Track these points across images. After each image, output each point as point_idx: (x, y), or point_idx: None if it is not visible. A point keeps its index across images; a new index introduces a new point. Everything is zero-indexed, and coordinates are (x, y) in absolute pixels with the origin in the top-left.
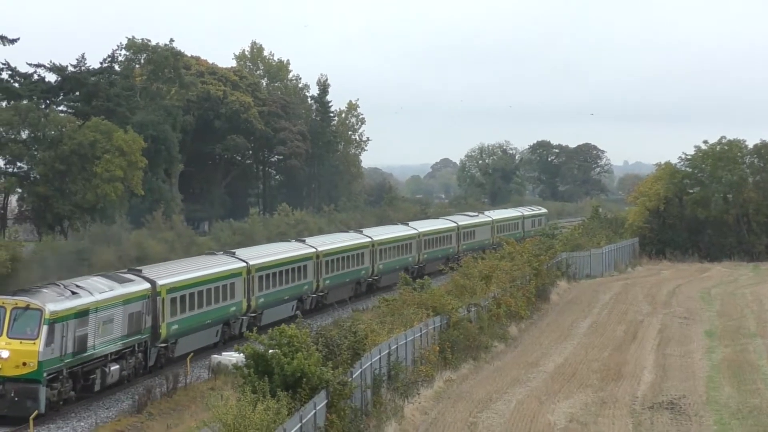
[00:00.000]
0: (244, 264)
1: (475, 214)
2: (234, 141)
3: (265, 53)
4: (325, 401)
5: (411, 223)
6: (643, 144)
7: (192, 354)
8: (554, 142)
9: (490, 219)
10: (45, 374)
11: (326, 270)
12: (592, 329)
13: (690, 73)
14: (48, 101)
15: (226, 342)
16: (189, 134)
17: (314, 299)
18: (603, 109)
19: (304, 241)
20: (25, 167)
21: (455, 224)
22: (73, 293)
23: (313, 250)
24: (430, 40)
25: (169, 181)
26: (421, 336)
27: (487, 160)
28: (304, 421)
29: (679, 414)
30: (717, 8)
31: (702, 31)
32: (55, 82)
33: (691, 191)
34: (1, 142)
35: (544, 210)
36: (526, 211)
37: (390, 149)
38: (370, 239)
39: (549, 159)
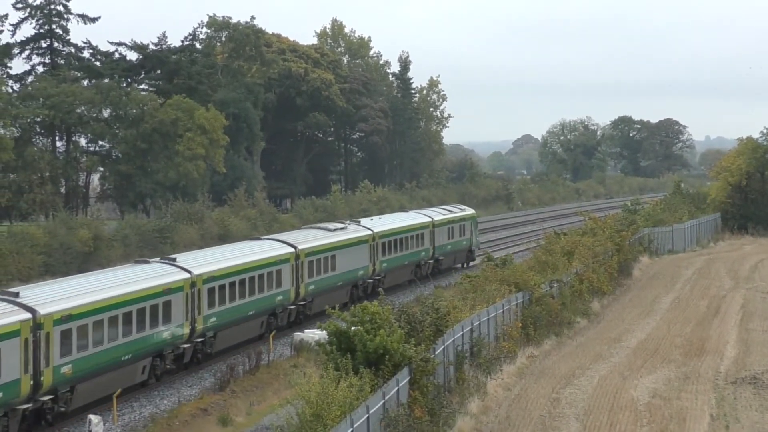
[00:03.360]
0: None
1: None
2: (315, 118)
3: (346, 30)
4: (408, 378)
5: (364, 221)
6: (725, 119)
7: (274, 330)
8: (636, 118)
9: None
10: None
11: None
12: (675, 304)
13: None
14: (129, 80)
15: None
16: (270, 112)
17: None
18: (685, 84)
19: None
20: (107, 146)
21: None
22: None
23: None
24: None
25: (251, 159)
26: (503, 312)
27: (568, 136)
28: (387, 397)
29: (763, 389)
30: None
31: None
32: (136, 60)
33: None
34: (83, 121)
35: (468, 210)
36: (437, 214)
37: (472, 126)
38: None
39: (631, 134)
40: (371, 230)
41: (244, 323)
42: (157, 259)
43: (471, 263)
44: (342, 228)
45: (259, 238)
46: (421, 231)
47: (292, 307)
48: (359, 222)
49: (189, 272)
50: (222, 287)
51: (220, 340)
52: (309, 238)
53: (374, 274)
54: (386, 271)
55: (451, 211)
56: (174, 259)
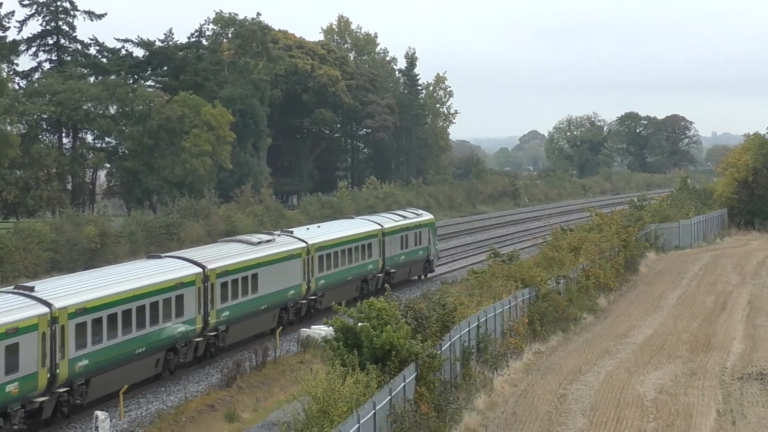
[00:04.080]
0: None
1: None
2: (322, 115)
3: (353, 27)
4: (415, 374)
5: (299, 231)
6: (732, 115)
7: (281, 327)
8: (642, 114)
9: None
10: None
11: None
12: (681, 300)
13: None
14: (136, 76)
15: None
16: (277, 108)
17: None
18: (691, 80)
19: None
20: (114, 142)
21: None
22: None
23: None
24: (519, 13)
25: (258, 155)
26: (510, 308)
27: (575, 132)
28: (393, 393)
29: None
30: None
31: None
32: (142, 57)
33: None
34: (89, 118)
35: (425, 216)
36: (388, 221)
37: (478, 122)
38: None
39: (637, 130)
40: (305, 242)
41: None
42: (278, 231)
43: (429, 275)
44: (268, 241)
45: (159, 256)
46: (368, 241)
47: (199, 339)
48: (291, 232)
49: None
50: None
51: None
52: (222, 255)
53: (309, 294)
54: (324, 289)
55: (405, 217)
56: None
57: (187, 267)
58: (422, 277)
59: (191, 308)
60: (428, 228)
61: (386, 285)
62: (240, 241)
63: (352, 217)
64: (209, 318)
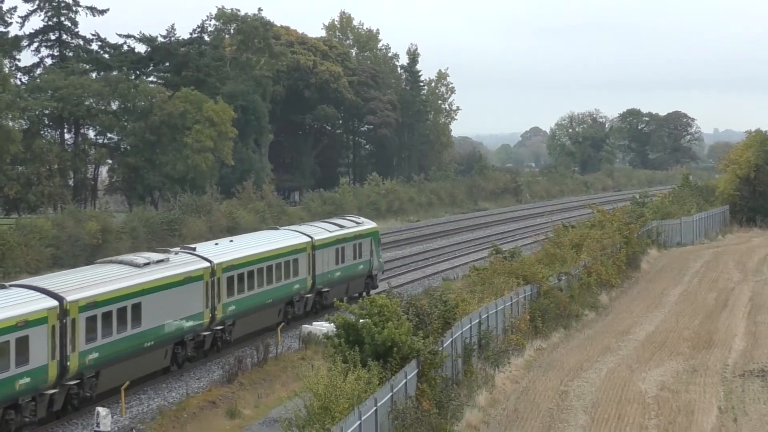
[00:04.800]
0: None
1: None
2: (324, 111)
3: (355, 23)
4: (416, 370)
5: (203, 248)
6: (734, 112)
7: (282, 323)
8: (644, 110)
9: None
10: None
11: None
12: (683, 297)
13: None
14: (138, 72)
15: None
16: (279, 104)
17: None
18: (693, 77)
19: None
20: (116, 138)
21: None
22: None
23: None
24: (521, 10)
25: (259, 151)
26: (511, 305)
27: (577, 129)
28: (395, 390)
29: None
30: None
31: None
32: (144, 52)
33: None
34: (91, 113)
35: (367, 224)
36: (320, 231)
37: (480, 118)
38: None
39: (639, 127)
40: (209, 261)
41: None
42: (177, 248)
43: (373, 291)
44: (160, 261)
45: (3, 286)
46: (294, 256)
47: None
48: (194, 249)
49: (310, 237)
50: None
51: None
52: (89, 282)
53: (214, 324)
54: (235, 316)
55: (341, 227)
56: (194, 249)
57: (36, 300)
58: (364, 294)
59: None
60: (370, 238)
61: (387, 283)
62: (122, 262)
63: (276, 228)
64: (68, 365)
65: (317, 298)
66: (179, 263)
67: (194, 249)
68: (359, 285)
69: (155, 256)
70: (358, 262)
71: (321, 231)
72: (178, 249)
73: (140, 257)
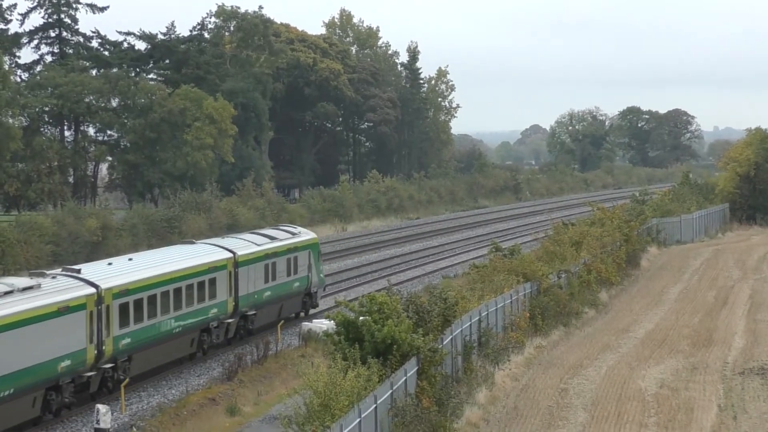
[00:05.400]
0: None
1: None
2: (324, 108)
3: (355, 20)
4: (416, 368)
5: (91, 269)
6: (734, 109)
7: (282, 320)
8: (644, 108)
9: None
10: None
11: None
12: (683, 295)
13: None
14: (138, 69)
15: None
16: (279, 102)
17: None
18: (693, 74)
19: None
20: (116, 135)
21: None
22: None
23: None
24: (521, 7)
25: (260, 149)
26: (511, 302)
27: (577, 126)
28: (395, 387)
29: None
30: None
31: None
32: (144, 50)
33: None
34: (91, 111)
35: (305, 235)
36: (246, 245)
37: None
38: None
39: (639, 125)
40: (96, 286)
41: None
42: (57, 270)
43: (312, 311)
44: (27, 289)
45: (44, 274)
46: (211, 275)
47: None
48: (78, 272)
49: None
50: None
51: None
52: None
53: (102, 362)
54: (130, 351)
55: (273, 238)
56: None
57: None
58: (303, 314)
59: None
60: (308, 251)
61: (388, 280)
62: None
63: (192, 242)
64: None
65: (242, 323)
66: (53, 291)
67: (78, 271)
68: (295, 305)
69: (22, 282)
70: (294, 278)
71: (246, 244)
72: (58, 271)
73: (3, 284)
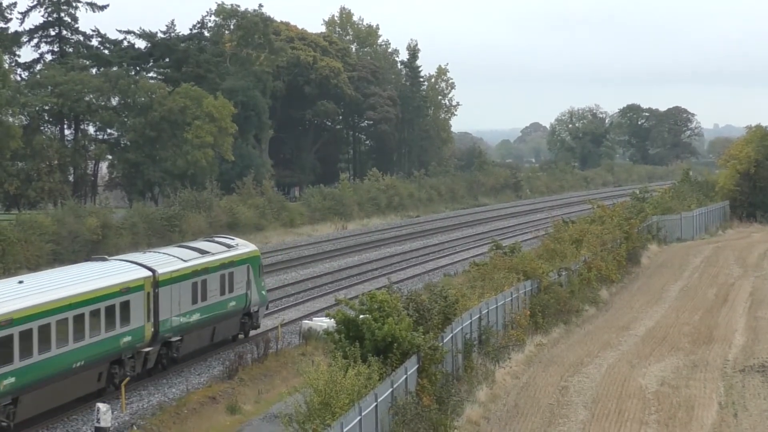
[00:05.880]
0: None
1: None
2: (324, 106)
3: (354, 18)
4: (416, 366)
5: None
6: (734, 107)
7: (283, 320)
8: (644, 106)
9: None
10: None
11: None
12: (683, 292)
13: None
14: (138, 68)
15: None
16: (279, 100)
17: None
18: (693, 72)
19: None
20: (116, 134)
21: (145, 274)
22: None
23: None
24: (522, 4)
25: (260, 147)
26: (511, 300)
27: (577, 124)
28: (395, 386)
29: None
30: None
31: None
32: (144, 48)
33: None
34: (91, 109)
35: (243, 248)
36: (171, 261)
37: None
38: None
39: (639, 122)
40: None
41: None
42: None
43: (252, 332)
44: None
45: (105, 259)
46: (124, 297)
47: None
48: None
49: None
50: None
51: None
52: None
53: None
54: (17, 391)
55: (204, 252)
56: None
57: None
58: (241, 336)
59: None
60: (246, 266)
61: (388, 278)
62: None
63: (105, 259)
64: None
65: (164, 351)
66: None
67: None
68: (231, 327)
69: None
70: (229, 297)
71: (170, 260)
72: None
73: None
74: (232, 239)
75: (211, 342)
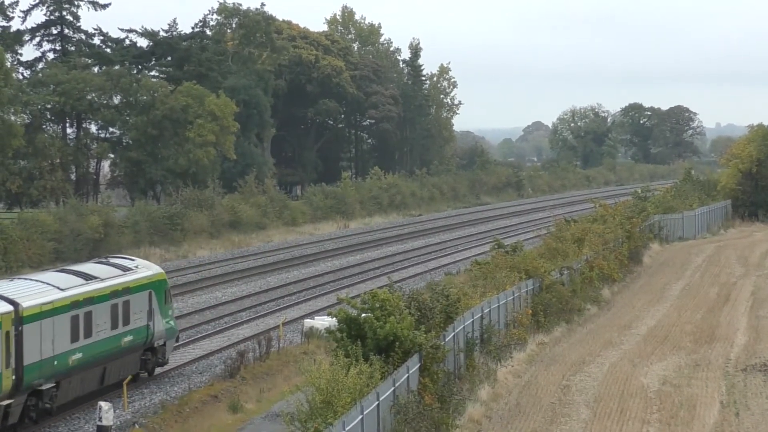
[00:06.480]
0: None
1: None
2: (326, 105)
3: (356, 17)
4: (418, 365)
5: None
6: (736, 106)
7: (285, 317)
8: (646, 105)
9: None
10: None
11: None
12: (685, 291)
13: None
14: (140, 66)
15: None
16: (281, 98)
17: None
18: (695, 71)
19: None
20: (118, 132)
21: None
22: None
23: None
24: (524, 3)
25: (261, 146)
26: (513, 299)
27: (579, 123)
28: (397, 384)
29: None
30: None
31: None
32: (146, 47)
33: None
34: (93, 108)
35: (144, 271)
36: (44, 290)
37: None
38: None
39: (641, 121)
40: None
41: None
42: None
43: (158, 370)
44: None
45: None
46: None
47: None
48: None
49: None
50: None
51: None
52: None
53: None
54: None
55: (90, 278)
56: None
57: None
58: (144, 375)
59: None
60: (148, 291)
61: (388, 277)
62: None
63: None
64: None
65: (32, 403)
66: None
67: None
68: (129, 365)
69: None
70: (124, 331)
71: (42, 290)
72: None
73: None
74: (132, 260)
75: (101, 385)
